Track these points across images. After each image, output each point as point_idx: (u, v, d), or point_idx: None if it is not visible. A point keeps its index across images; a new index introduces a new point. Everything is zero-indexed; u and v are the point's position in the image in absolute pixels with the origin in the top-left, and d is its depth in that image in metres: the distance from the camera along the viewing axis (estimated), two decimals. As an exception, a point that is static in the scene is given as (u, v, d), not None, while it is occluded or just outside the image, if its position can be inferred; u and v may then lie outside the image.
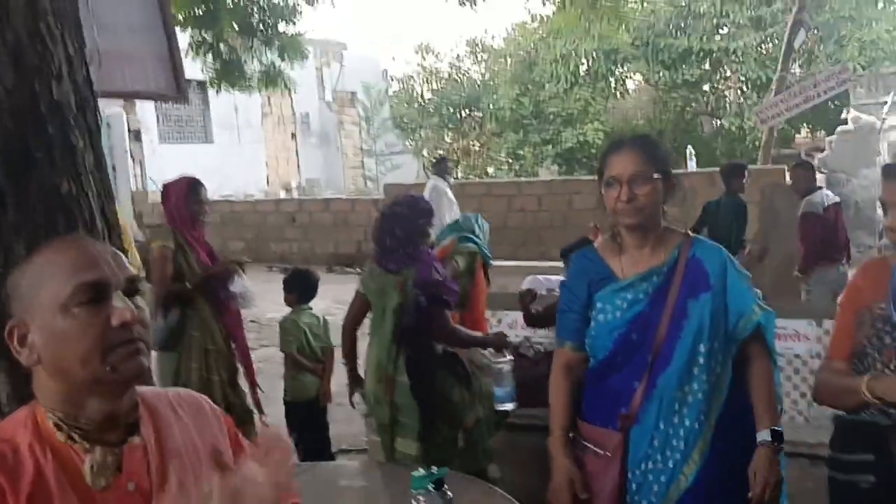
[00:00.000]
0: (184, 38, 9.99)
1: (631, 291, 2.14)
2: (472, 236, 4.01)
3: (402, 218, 3.25)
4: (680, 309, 2.10)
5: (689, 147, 13.83)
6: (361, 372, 3.48)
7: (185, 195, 4.01)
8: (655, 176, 2.09)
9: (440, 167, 9.47)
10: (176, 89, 3.10)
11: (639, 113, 19.59)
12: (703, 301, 2.10)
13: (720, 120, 18.74)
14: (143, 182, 15.58)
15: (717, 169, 7.33)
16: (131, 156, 15.35)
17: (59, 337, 1.16)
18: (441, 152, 20.10)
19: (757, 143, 13.66)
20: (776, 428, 2.12)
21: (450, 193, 8.97)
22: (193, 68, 10.63)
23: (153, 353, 3.69)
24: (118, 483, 1.20)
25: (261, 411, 4.13)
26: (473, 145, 21.01)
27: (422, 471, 1.66)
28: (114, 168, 15.11)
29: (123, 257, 1.24)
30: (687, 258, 2.14)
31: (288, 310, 4.40)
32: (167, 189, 4.09)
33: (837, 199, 6.07)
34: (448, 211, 8.78)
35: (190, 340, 3.88)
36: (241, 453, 1.40)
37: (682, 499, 2.10)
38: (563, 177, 15.71)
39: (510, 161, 19.83)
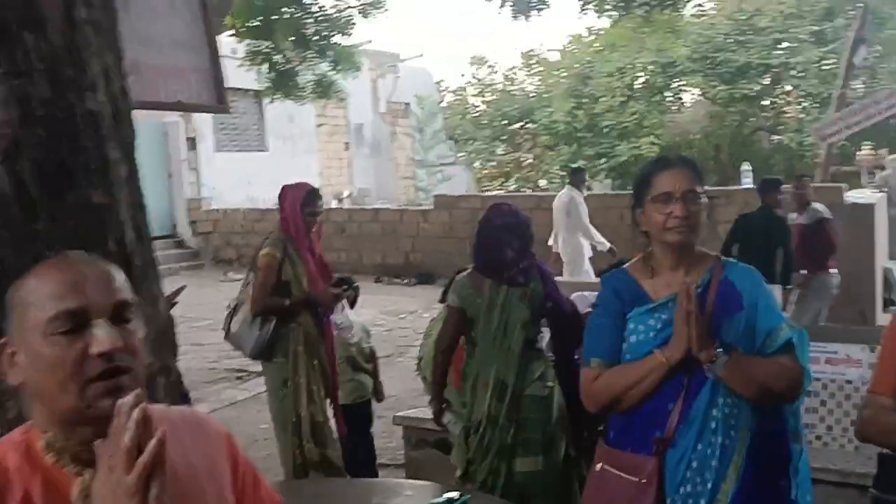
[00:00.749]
0: (240, 48, 10.20)
1: (665, 312, 2.09)
2: None
3: (517, 228, 3.24)
4: (713, 329, 2.05)
5: (746, 163, 13.55)
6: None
7: (300, 202, 3.91)
8: (704, 195, 2.08)
9: (576, 178, 9.40)
10: (217, 101, 3.12)
11: (695, 127, 19.28)
12: (735, 320, 2.07)
13: (779, 136, 18.34)
14: (198, 190, 15.83)
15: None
16: (187, 164, 15.64)
17: (38, 362, 1.13)
18: (493, 163, 20.11)
19: (816, 159, 13.32)
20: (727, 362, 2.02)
21: (584, 205, 8.97)
22: (248, 78, 10.83)
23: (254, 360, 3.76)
24: None
25: (342, 433, 4.11)
26: (526, 158, 20.92)
27: (442, 497, 1.61)
28: (170, 176, 15.43)
29: (119, 280, 1.19)
30: (719, 279, 2.11)
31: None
32: (283, 193, 4.01)
33: (829, 214, 6.50)
34: (586, 221, 8.90)
35: (296, 355, 3.83)
36: (247, 475, 1.37)
37: None
38: (615, 191, 15.52)
39: (563, 174, 19.69)
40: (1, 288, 1.74)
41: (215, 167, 16.07)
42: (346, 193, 17.97)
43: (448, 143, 21.17)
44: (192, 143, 15.84)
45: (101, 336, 1.11)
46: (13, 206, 1.77)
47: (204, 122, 16.01)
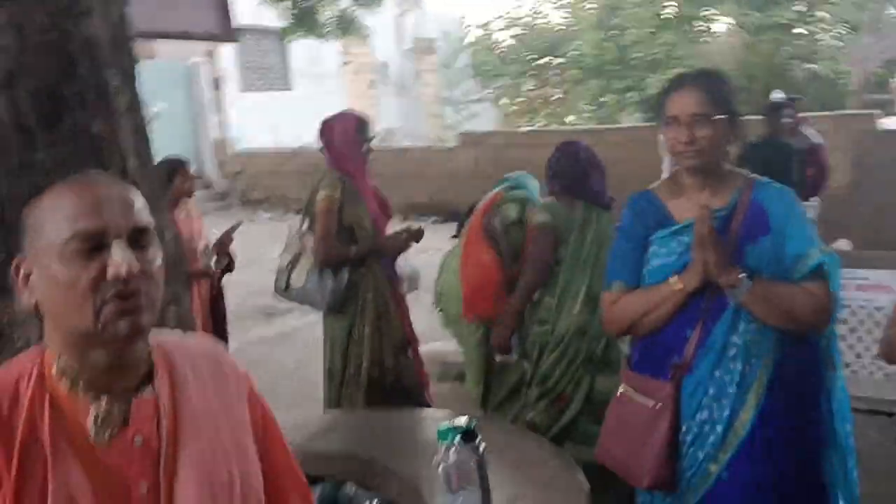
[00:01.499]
0: (260, -15, 10.04)
1: (688, 235, 2.03)
2: (521, 188, 3.83)
3: (596, 158, 3.38)
4: (737, 253, 1.99)
5: (778, 91, 13.18)
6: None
7: (353, 132, 3.57)
8: (718, 117, 1.99)
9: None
10: (224, 30, 3.04)
11: (727, 58, 18.78)
12: (761, 244, 2.01)
13: (813, 64, 17.81)
14: (224, 131, 15.82)
15: (808, 115, 6.96)
16: (213, 104, 15.60)
17: (53, 282, 1.11)
18: (521, 99, 19.81)
19: (851, 87, 12.93)
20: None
21: None
22: (271, 16, 10.69)
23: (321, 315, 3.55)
24: (123, 437, 1.14)
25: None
26: (554, 93, 20.58)
27: (448, 423, 1.59)
28: (196, 117, 15.42)
29: (138, 204, 1.15)
30: (748, 201, 2.04)
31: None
32: (329, 127, 3.63)
33: (821, 140, 6.29)
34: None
35: (364, 304, 3.55)
36: (261, 416, 1.35)
37: (739, 448, 2.02)
38: (645, 123, 15.24)
39: (592, 108, 19.38)
40: (2, 216, 1.74)
41: (241, 108, 16.02)
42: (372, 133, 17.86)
43: (475, 80, 20.88)
44: (217, 83, 15.77)
45: (118, 258, 1.09)
46: (11, 135, 1.75)
47: (228, 63, 15.93)
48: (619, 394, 2.21)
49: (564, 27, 20.65)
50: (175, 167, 4.27)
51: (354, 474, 2.44)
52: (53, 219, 1.11)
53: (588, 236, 3.26)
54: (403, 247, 3.63)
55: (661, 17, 17.88)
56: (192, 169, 4.37)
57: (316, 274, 3.49)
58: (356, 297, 3.54)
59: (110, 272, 1.09)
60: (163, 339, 1.25)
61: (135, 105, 2.00)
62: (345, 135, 3.55)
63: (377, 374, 3.55)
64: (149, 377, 1.19)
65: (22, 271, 1.15)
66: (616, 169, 3.70)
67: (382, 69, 19.88)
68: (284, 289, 3.62)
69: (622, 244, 2.20)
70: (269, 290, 3.93)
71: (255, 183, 14.75)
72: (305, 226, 3.58)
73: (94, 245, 1.10)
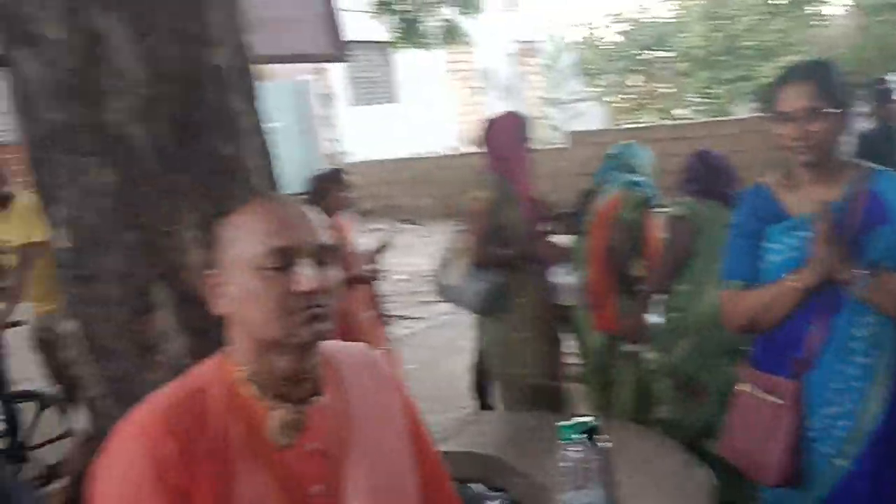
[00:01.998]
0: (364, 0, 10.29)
1: (803, 229, 1.99)
2: (634, 177, 3.76)
3: (732, 168, 3.42)
4: (856, 245, 1.95)
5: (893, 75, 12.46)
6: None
7: (515, 133, 3.53)
8: (831, 111, 1.95)
9: None
10: (335, 50, 3.16)
11: (844, 42, 17.90)
12: (880, 235, 1.96)
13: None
14: (335, 145, 16.25)
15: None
16: (324, 120, 16.05)
17: (246, 295, 1.20)
18: (627, 95, 19.47)
19: None
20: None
21: None
22: (377, 30, 10.93)
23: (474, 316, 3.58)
24: (299, 443, 1.22)
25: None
26: (661, 88, 20.13)
27: (570, 421, 1.60)
28: (308, 132, 15.90)
29: (322, 225, 1.25)
30: (865, 191, 1.99)
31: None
32: (492, 127, 3.58)
33: None
34: None
35: (521, 307, 3.48)
36: (417, 429, 1.41)
37: (866, 441, 1.99)
38: (757, 115, 14.71)
39: (702, 101, 18.85)
40: (144, 235, 1.87)
41: (350, 121, 16.42)
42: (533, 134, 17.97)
43: (579, 79, 20.67)
44: (326, 99, 16.22)
45: (306, 275, 1.18)
46: (149, 160, 1.87)
47: (337, 78, 16.36)
48: (740, 390, 2.19)
49: (670, 20, 20.19)
50: (334, 179, 4.54)
51: (480, 474, 2.49)
52: (247, 236, 1.21)
53: (725, 231, 3.23)
54: (558, 257, 3.59)
55: (772, 2, 17.23)
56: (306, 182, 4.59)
57: (469, 274, 3.46)
58: (510, 301, 3.47)
59: (297, 287, 1.18)
60: (327, 348, 1.32)
61: (258, 127, 2.11)
62: (506, 136, 3.50)
63: (541, 379, 3.51)
64: (319, 386, 1.27)
65: (214, 282, 1.26)
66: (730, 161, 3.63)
67: (486, 74, 19.96)
68: (440, 289, 3.65)
69: (737, 241, 2.17)
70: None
71: (366, 194, 15.08)
72: (463, 225, 3.55)
73: (284, 261, 1.19)
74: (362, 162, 15.48)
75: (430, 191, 14.20)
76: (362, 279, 4.49)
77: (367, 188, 15.04)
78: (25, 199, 4.38)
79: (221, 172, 1.95)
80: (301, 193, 4.43)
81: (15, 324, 4.38)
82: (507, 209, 3.42)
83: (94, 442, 2.08)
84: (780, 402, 2.05)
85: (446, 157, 15.03)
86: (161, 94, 1.89)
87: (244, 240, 1.21)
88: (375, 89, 17.88)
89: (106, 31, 1.84)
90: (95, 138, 1.86)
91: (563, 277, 3.65)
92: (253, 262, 1.19)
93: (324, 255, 1.22)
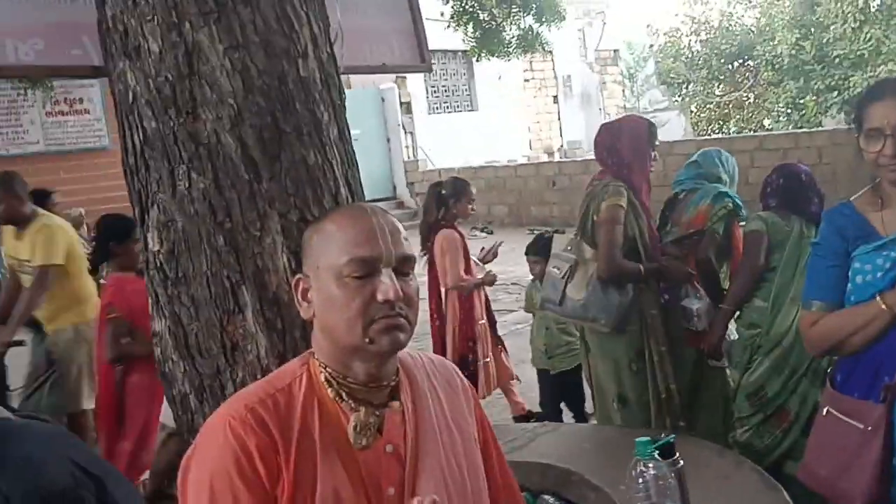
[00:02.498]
0: (446, 9, 10.38)
1: (895, 249, 1.92)
2: (720, 187, 3.67)
3: (816, 182, 3.42)
4: None
5: None
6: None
7: (645, 139, 3.41)
8: None
9: None
10: (420, 60, 3.21)
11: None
12: None
13: None
14: (414, 152, 16.42)
15: None
16: (403, 128, 16.24)
17: (329, 301, 1.25)
18: (711, 105, 19.09)
19: None
20: None
21: None
22: (456, 39, 11.01)
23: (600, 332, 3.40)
24: (377, 445, 1.27)
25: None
26: (747, 97, 19.65)
27: (647, 437, 1.60)
28: (388, 140, 16.11)
29: (404, 235, 1.29)
30: None
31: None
32: (614, 132, 3.47)
33: None
34: None
35: (653, 321, 3.32)
36: (487, 435, 1.44)
37: None
38: (848, 126, 14.24)
39: (789, 112, 18.32)
40: (233, 239, 1.94)
41: (429, 129, 16.57)
42: (556, 147, 17.92)
43: (660, 89, 20.39)
44: (406, 107, 16.42)
45: (387, 285, 1.22)
46: (239, 168, 1.95)
47: (417, 86, 16.53)
48: (823, 414, 2.13)
49: (756, 28, 19.72)
50: (459, 188, 4.75)
51: (552, 485, 2.49)
52: (333, 244, 1.26)
53: (805, 248, 3.16)
54: (686, 278, 3.40)
55: (868, 10, 16.65)
56: (387, 190, 4.79)
57: (598, 287, 3.26)
58: (640, 315, 3.32)
59: (380, 296, 1.22)
60: (401, 354, 1.36)
61: (343, 136, 2.17)
62: (636, 142, 3.38)
63: (678, 397, 3.35)
64: (396, 390, 1.31)
65: (301, 287, 1.31)
66: (816, 174, 3.53)
67: (565, 83, 19.86)
68: (559, 302, 3.38)
69: (820, 261, 2.11)
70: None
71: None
72: (579, 235, 3.43)
73: (366, 271, 1.23)
74: (439, 170, 15.59)
75: (504, 199, 14.20)
76: (482, 284, 4.67)
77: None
78: (44, 220, 4.52)
79: (307, 180, 2.01)
80: (381, 199, 4.59)
81: (18, 343, 4.44)
82: (633, 219, 3.28)
83: (179, 437, 2.17)
84: (868, 427, 1.98)
85: (521, 165, 15.02)
86: (251, 104, 1.96)
87: (330, 248, 1.25)
88: (454, 97, 18.00)
89: (201, 44, 1.93)
90: (189, 146, 1.95)
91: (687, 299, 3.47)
92: (337, 271, 1.23)
93: (405, 265, 1.26)
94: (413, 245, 1.35)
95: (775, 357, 3.14)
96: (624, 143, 3.37)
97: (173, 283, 2.00)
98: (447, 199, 4.70)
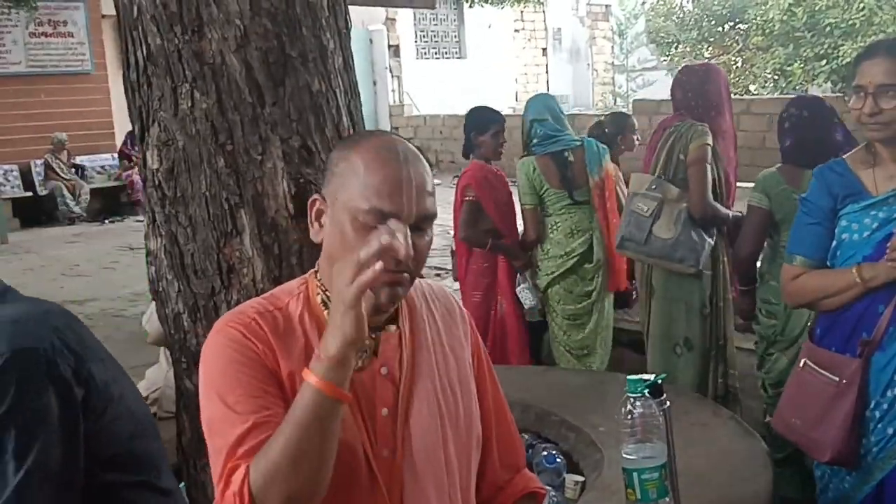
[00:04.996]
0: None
1: (883, 209, 1.96)
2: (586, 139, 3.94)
3: (834, 114, 3.08)
4: None
5: None
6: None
7: (725, 83, 3.49)
8: None
9: None
10: (425, -2, 3.16)
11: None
12: None
13: None
14: (400, 97, 16.26)
15: None
16: (390, 71, 16.05)
17: (340, 236, 1.23)
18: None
19: None
20: None
21: None
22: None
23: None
24: (372, 366, 1.28)
25: None
26: (735, 61, 19.61)
27: (638, 376, 1.63)
28: (374, 83, 15.93)
29: (430, 190, 1.25)
30: None
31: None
32: (703, 73, 3.49)
33: None
34: None
35: (724, 268, 3.43)
36: (481, 362, 1.46)
37: None
38: (835, 94, 14.29)
39: (776, 78, 18.31)
40: (233, 161, 1.94)
41: (416, 74, 16.39)
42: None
43: (650, 47, 20.27)
44: (395, 50, 16.21)
45: (399, 243, 1.15)
46: (243, 90, 1.93)
47: (406, 30, 16.31)
48: (800, 365, 2.18)
49: (750, -9, 19.60)
50: (625, 122, 4.75)
51: (531, 425, 2.54)
52: (357, 182, 1.22)
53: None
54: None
55: (860, -21, 16.59)
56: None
57: (689, 227, 3.28)
58: (717, 261, 3.40)
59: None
60: None
61: (347, 65, 2.15)
62: (724, 87, 3.44)
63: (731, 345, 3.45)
64: (394, 316, 1.32)
65: (317, 207, 1.29)
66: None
67: (555, 36, 19.68)
68: (644, 241, 3.35)
69: (807, 217, 2.14)
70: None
71: (427, 147, 15.10)
72: (661, 176, 3.41)
73: (382, 222, 1.19)
74: (424, 116, 15.47)
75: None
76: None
77: (428, 142, 15.07)
78: None
79: (311, 107, 2.00)
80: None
81: None
82: (715, 164, 3.32)
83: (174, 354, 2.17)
84: (843, 381, 2.03)
85: (508, 116, 14.92)
86: (258, 26, 1.94)
87: (352, 185, 1.22)
88: (443, 44, 17.79)
89: (210, -40, 1.89)
90: (194, 65, 1.92)
91: None
92: (354, 212, 1.21)
93: (423, 223, 1.23)
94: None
95: (793, 356, 2.92)
96: (712, 87, 3.40)
97: (171, 203, 1.99)
98: (613, 137, 4.65)
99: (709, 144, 3.28)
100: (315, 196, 1.30)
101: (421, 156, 1.28)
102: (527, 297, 4.00)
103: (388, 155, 1.24)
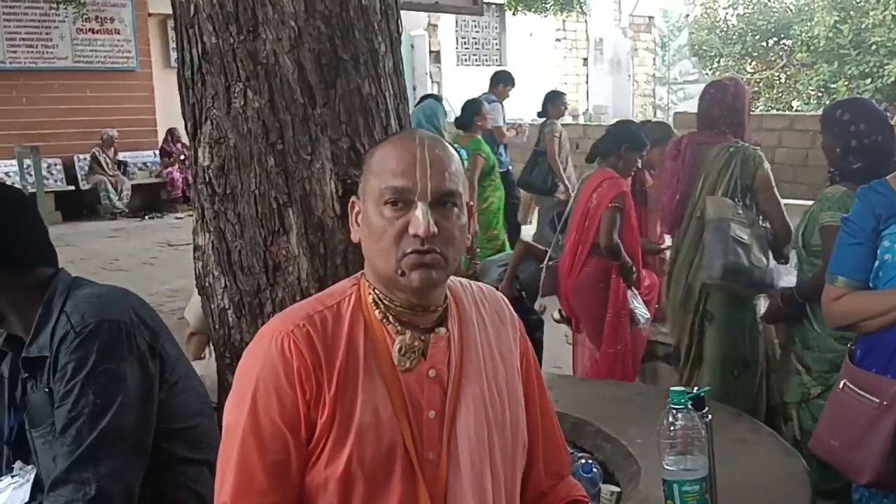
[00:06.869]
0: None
1: None
2: None
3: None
4: None
5: None
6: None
7: (747, 98, 3.50)
8: None
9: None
10: (473, 4, 3.18)
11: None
12: None
13: None
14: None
15: None
16: (430, 77, 16.11)
17: (369, 227, 1.26)
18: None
19: None
20: None
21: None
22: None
23: None
24: (420, 368, 1.28)
25: None
26: (779, 77, 19.40)
27: (682, 387, 1.63)
28: (414, 88, 15.97)
29: (452, 169, 1.25)
30: None
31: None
32: (729, 90, 3.47)
33: None
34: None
35: None
36: (530, 368, 1.46)
37: None
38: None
39: (820, 95, 18.09)
40: (283, 160, 1.96)
41: (456, 80, 16.42)
42: (581, 110, 17.75)
43: (692, 60, 20.13)
44: (435, 56, 16.27)
45: (418, 219, 1.21)
46: (295, 91, 1.95)
47: (447, 36, 16.35)
48: (839, 387, 2.15)
49: (796, 7, 19.39)
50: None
51: (567, 433, 2.52)
52: (379, 169, 1.26)
53: None
54: None
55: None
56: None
57: (771, 253, 3.33)
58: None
59: (411, 229, 1.22)
60: (455, 282, 1.38)
61: (397, 69, 2.17)
62: (747, 104, 3.43)
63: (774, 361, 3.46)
64: (444, 317, 1.33)
65: (356, 210, 1.32)
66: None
67: (597, 46, 19.62)
68: (749, 271, 3.24)
69: (849, 237, 2.12)
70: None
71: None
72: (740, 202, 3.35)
73: (403, 201, 1.23)
74: (463, 122, 15.47)
75: (525, 157, 14.10)
76: None
77: (465, 148, 15.10)
78: None
79: (360, 110, 2.02)
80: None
81: None
82: None
83: (199, 336, 2.22)
84: (883, 402, 2.00)
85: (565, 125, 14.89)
86: (312, 28, 1.96)
87: (376, 174, 1.26)
88: (484, 51, 17.82)
89: (267, -38, 1.92)
90: (248, 64, 1.95)
91: None
92: (377, 198, 1.24)
93: (445, 199, 1.24)
94: None
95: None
96: (741, 103, 3.40)
97: (221, 200, 2.02)
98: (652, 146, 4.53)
99: (769, 167, 3.32)
100: (353, 198, 1.33)
101: (447, 144, 1.30)
102: (642, 312, 3.99)
103: (405, 141, 1.28)
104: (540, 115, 7.86)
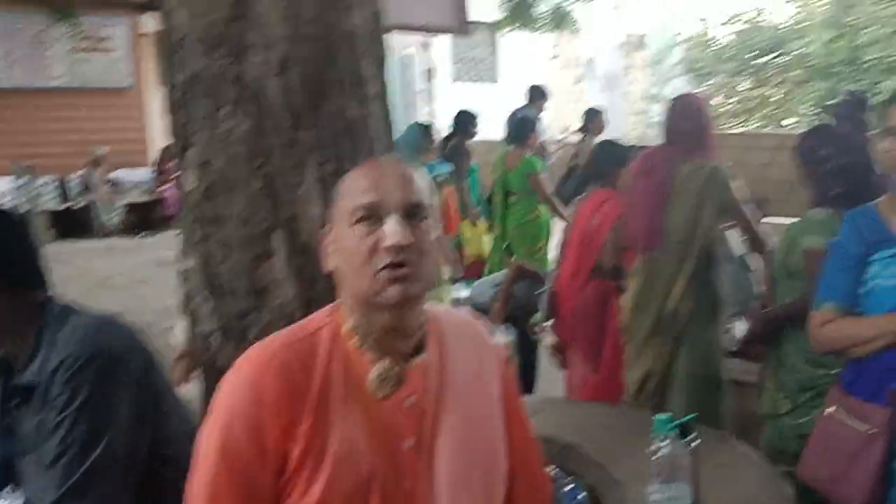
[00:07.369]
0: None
1: None
2: None
3: (867, 143, 3.00)
4: None
5: None
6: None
7: (708, 113, 3.49)
8: None
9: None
10: (460, 23, 3.19)
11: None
12: None
13: None
14: (434, 119, 16.35)
15: None
16: (428, 93, 16.17)
17: (342, 249, 1.26)
18: (735, 99, 18.95)
19: None
20: None
21: None
22: (485, 10, 10.94)
23: None
24: (398, 397, 1.27)
25: None
26: (773, 94, 19.49)
27: (667, 415, 1.62)
28: (408, 107, 16.03)
29: (417, 183, 1.27)
30: None
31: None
32: (692, 105, 3.46)
33: None
34: None
35: None
36: (511, 396, 1.44)
37: None
38: (874, 131, 14.12)
39: (815, 113, 18.18)
40: (269, 184, 1.96)
41: (449, 98, 16.48)
42: (573, 128, 17.79)
43: (686, 78, 20.22)
44: (429, 74, 16.34)
45: (390, 230, 1.21)
46: (281, 115, 1.95)
47: (442, 54, 16.42)
48: (827, 413, 2.14)
49: (790, 24, 19.51)
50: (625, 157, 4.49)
51: (554, 457, 2.51)
52: (347, 192, 1.27)
53: None
54: None
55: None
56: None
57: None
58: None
59: (382, 243, 1.21)
60: (434, 309, 1.37)
61: (383, 93, 2.17)
62: (701, 117, 3.39)
63: None
64: (423, 344, 1.32)
65: (326, 239, 1.32)
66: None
67: (590, 64, 19.71)
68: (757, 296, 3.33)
69: (836, 262, 2.11)
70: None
71: (459, 171, 15.14)
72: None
73: (374, 217, 1.23)
74: (458, 139, 15.50)
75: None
76: None
77: (460, 166, 15.13)
78: None
79: (346, 133, 2.02)
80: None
81: None
82: None
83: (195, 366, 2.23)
84: (872, 429, 1.99)
85: (542, 141, 14.94)
86: (298, 52, 1.97)
87: (344, 197, 1.27)
88: (478, 68, 17.90)
89: (254, -14, 1.92)
90: (233, 88, 1.95)
91: None
92: (347, 219, 1.24)
93: (415, 211, 1.24)
94: None
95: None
96: (705, 118, 3.38)
97: (206, 223, 2.02)
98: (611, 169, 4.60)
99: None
100: (324, 229, 1.34)
101: (414, 171, 1.31)
102: None
103: (371, 163, 1.33)
104: (580, 130, 8.64)
